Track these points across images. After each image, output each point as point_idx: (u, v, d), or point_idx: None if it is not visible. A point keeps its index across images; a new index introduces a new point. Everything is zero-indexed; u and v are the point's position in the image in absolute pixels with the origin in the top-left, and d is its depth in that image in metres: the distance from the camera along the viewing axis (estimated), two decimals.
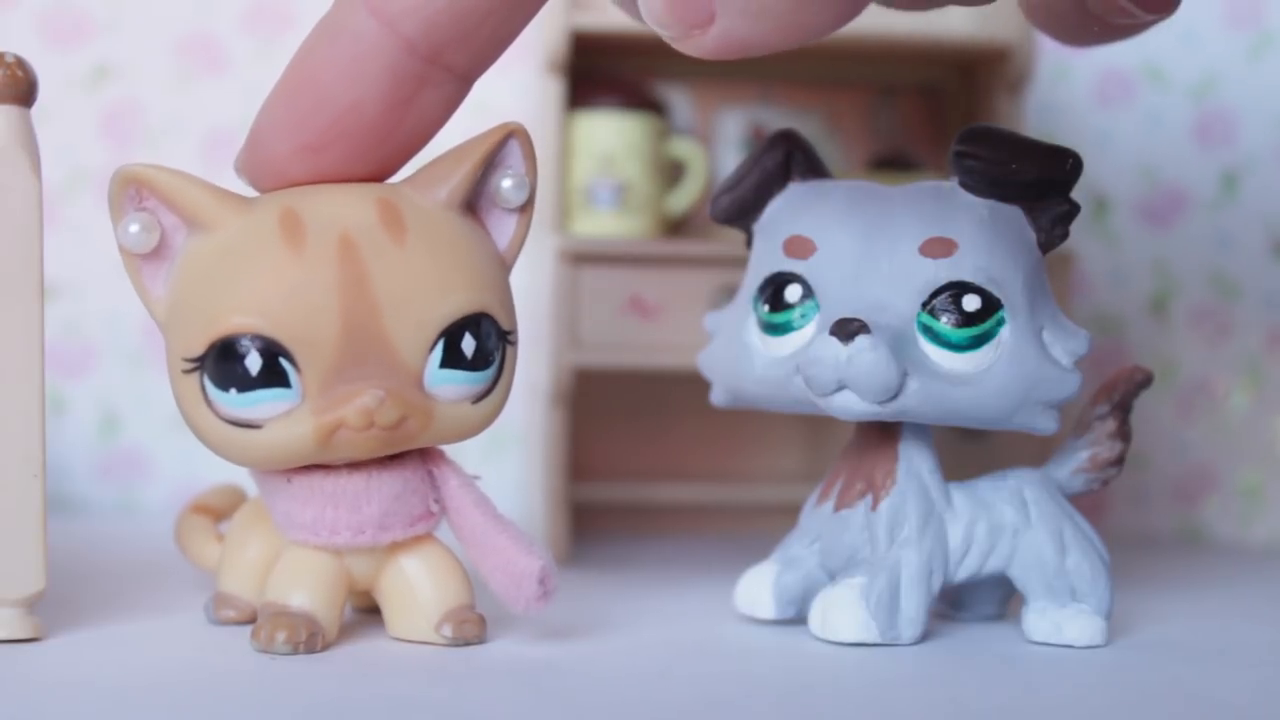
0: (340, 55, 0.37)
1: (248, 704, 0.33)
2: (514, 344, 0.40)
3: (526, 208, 0.41)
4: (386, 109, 0.37)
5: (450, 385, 0.38)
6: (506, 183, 0.40)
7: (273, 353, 0.36)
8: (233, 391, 0.37)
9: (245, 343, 0.36)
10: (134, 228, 0.38)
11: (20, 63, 0.38)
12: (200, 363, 0.37)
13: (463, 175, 0.39)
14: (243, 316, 0.36)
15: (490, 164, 0.40)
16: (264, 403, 0.37)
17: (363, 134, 0.37)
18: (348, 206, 0.38)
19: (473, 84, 0.39)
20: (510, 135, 0.40)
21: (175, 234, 0.38)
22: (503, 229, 0.41)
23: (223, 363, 0.37)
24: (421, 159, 0.40)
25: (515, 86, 0.75)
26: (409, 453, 0.40)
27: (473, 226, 0.40)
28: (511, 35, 0.37)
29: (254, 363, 0.37)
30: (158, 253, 0.38)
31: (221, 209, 0.38)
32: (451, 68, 0.37)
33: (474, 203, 0.40)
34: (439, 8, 0.36)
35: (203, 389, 0.37)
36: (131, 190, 0.38)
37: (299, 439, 0.37)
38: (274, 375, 0.37)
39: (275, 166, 0.38)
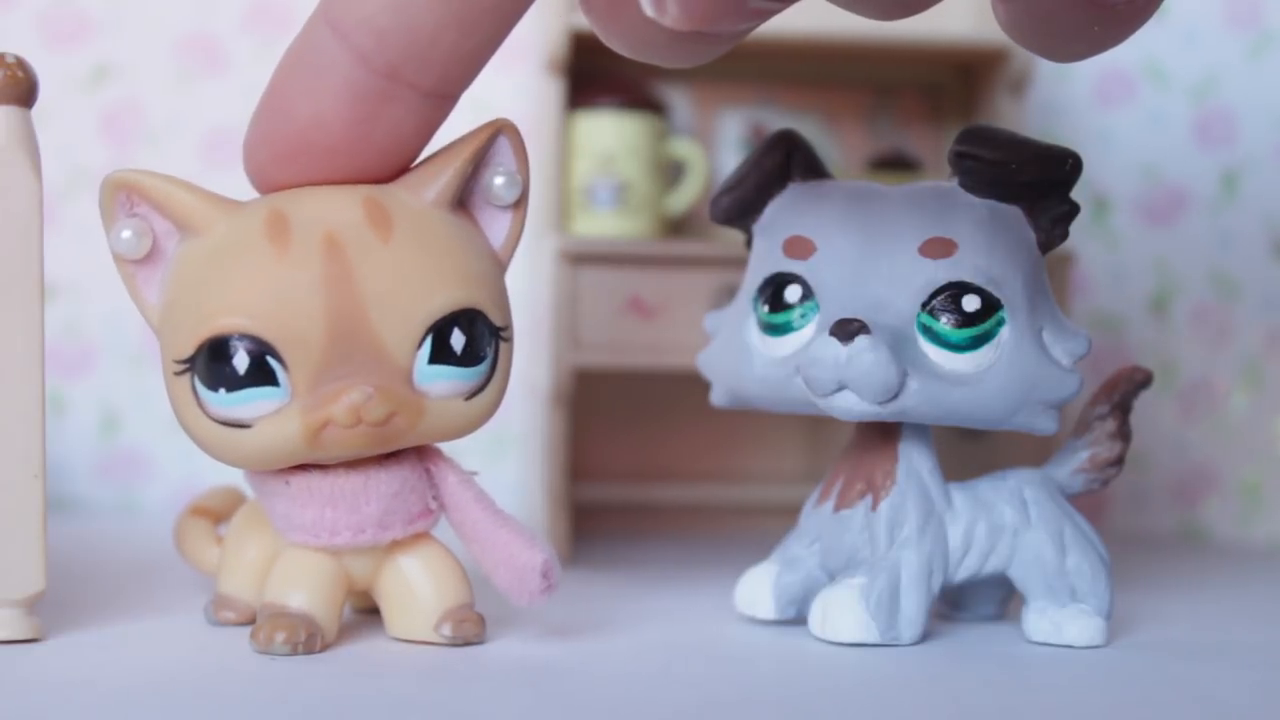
0: (302, 68, 0.37)
1: (248, 704, 0.33)
2: (508, 340, 0.40)
3: (520, 204, 0.41)
4: (349, 124, 0.37)
5: (440, 381, 0.38)
6: (498, 180, 0.40)
7: (260, 352, 0.37)
8: (222, 391, 0.37)
9: (233, 342, 0.37)
10: (126, 234, 0.38)
11: (20, 63, 0.38)
12: (191, 364, 0.37)
13: (451, 174, 0.39)
14: (230, 316, 0.37)
15: (481, 161, 0.40)
16: (253, 402, 0.37)
17: (328, 148, 0.37)
18: (334, 206, 0.38)
19: (450, 102, 0.38)
20: (499, 132, 0.40)
21: (168, 240, 0.39)
22: (497, 226, 0.41)
23: (212, 363, 0.37)
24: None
25: (515, 86, 0.75)
26: (406, 451, 0.40)
27: (464, 224, 0.40)
28: (477, 54, 0.36)
29: (242, 362, 0.37)
30: (151, 258, 0.39)
31: (209, 212, 0.38)
32: (415, 85, 0.36)
33: (467, 200, 0.40)
34: (387, 22, 0.35)
35: (194, 390, 0.37)
36: (122, 196, 0.38)
37: (288, 438, 0.37)
38: (262, 374, 0.37)
39: (263, 173, 0.38)
